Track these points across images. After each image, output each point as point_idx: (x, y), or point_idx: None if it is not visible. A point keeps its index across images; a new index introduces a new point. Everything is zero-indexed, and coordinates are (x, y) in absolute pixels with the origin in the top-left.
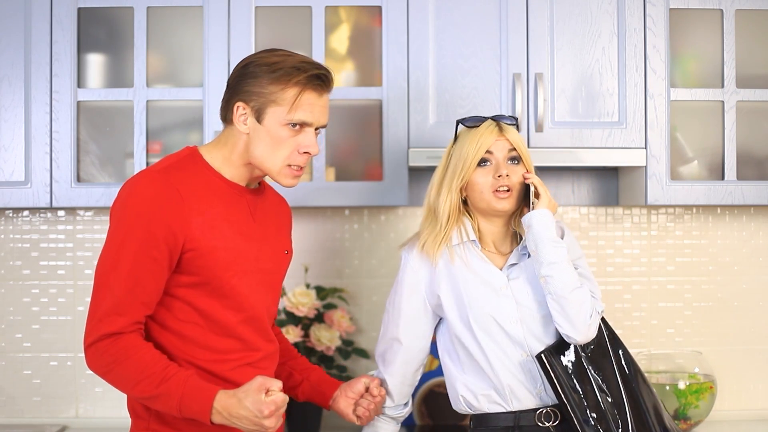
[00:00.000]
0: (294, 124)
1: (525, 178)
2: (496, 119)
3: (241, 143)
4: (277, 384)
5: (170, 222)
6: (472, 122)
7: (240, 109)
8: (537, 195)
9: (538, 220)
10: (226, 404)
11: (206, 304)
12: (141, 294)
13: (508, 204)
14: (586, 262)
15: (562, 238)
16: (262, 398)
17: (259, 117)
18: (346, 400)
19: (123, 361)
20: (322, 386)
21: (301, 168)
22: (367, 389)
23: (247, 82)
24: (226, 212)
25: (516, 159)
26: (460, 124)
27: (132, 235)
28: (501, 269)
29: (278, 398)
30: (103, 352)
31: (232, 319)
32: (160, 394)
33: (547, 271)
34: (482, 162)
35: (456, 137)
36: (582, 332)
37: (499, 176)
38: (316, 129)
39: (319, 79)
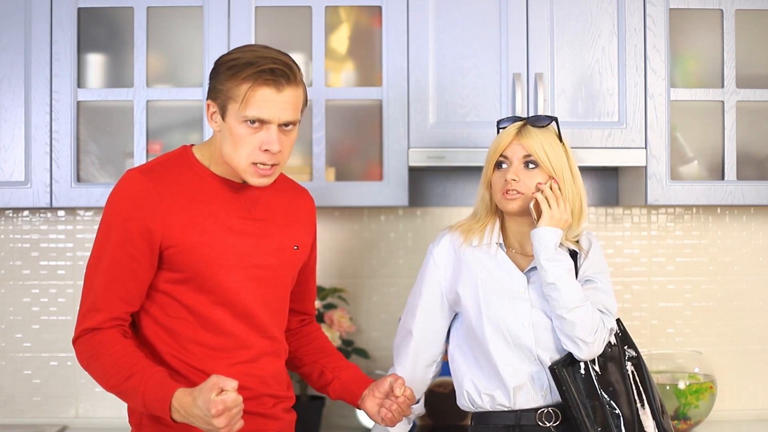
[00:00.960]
0: (252, 121)
1: (538, 189)
2: (529, 121)
3: (217, 142)
4: (231, 384)
5: (146, 220)
6: (503, 123)
7: (210, 108)
8: (538, 210)
9: (536, 240)
10: (182, 402)
11: (193, 299)
12: (120, 291)
13: (516, 204)
14: (608, 277)
15: (588, 251)
16: (212, 397)
17: (223, 115)
18: (372, 399)
19: (99, 357)
20: (352, 385)
21: (270, 166)
22: (392, 389)
23: (214, 79)
24: (214, 208)
25: (533, 164)
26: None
27: (110, 234)
28: (523, 271)
29: (228, 398)
30: (84, 347)
31: (221, 314)
32: (127, 389)
33: (547, 291)
34: (500, 164)
35: None
36: (584, 350)
37: (506, 180)
38: (285, 126)
39: (272, 73)
